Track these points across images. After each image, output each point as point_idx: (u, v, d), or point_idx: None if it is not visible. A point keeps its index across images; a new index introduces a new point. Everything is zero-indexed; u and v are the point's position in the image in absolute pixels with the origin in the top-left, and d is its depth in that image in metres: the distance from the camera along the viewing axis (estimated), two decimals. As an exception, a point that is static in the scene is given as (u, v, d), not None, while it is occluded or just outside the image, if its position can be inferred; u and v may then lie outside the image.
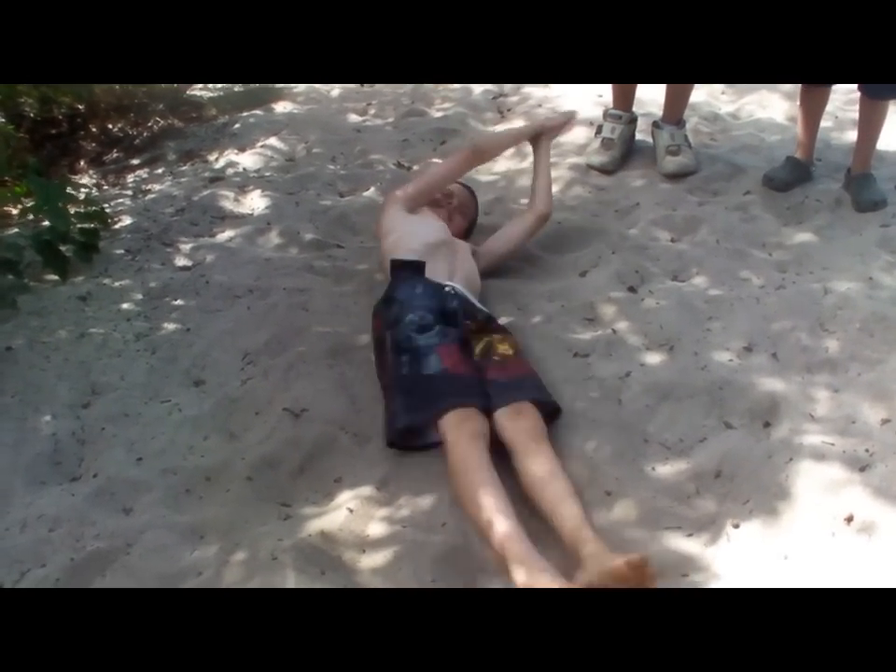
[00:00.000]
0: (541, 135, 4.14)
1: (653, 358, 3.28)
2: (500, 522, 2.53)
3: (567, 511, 2.59)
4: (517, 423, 2.87)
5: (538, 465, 2.75)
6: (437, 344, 3.08)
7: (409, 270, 3.42)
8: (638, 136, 4.79)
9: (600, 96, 5.04)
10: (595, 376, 3.20)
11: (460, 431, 2.78)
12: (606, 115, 4.70)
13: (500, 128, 5.29)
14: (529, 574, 2.39)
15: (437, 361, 3.02)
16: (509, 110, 5.53)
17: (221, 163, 5.17)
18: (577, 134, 4.96)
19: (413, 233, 3.62)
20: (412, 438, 2.94)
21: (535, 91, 5.68)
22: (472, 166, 4.16)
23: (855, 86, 4.05)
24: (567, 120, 4.28)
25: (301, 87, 6.26)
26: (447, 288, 3.37)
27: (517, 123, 5.23)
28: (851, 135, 4.34)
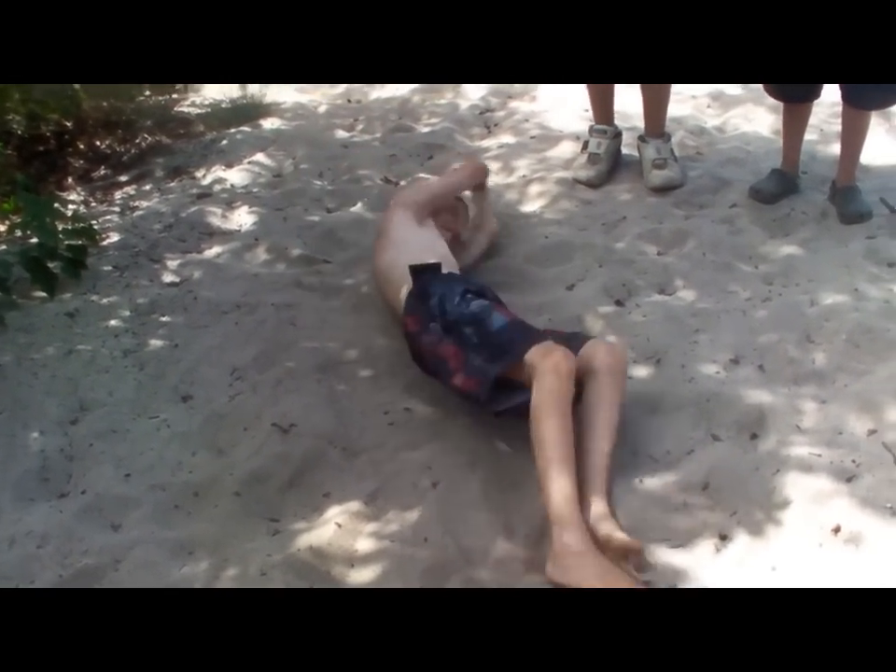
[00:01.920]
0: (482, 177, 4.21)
1: (641, 371, 3.29)
2: (558, 479, 2.60)
3: (597, 445, 2.78)
4: (612, 352, 3.00)
5: (608, 391, 2.89)
6: (493, 305, 3.19)
7: (431, 270, 3.44)
8: (625, 150, 4.80)
9: (586, 111, 5.05)
10: (584, 389, 3.21)
11: (547, 361, 2.79)
12: (591, 130, 4.71)
13: (487, 143, 5.30)
14: (568, 532, 2.51)
15: (500, 317, 3.10)
16: (496, 125, 5.54)
17: (209, 180, 5.17)
18: (563, 149, 4.98)
19: (428, 248, 3.63)
20: (505, 398, 2.93)
21: (521, 105, 5.70)
22: (470, 186, 4.18)
23: (839, 98, 4.07)
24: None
25: (288, 102, 6.27)
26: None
27: (504, 138, 5.25)
28: (836, 147, 4.36)
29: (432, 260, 3.49)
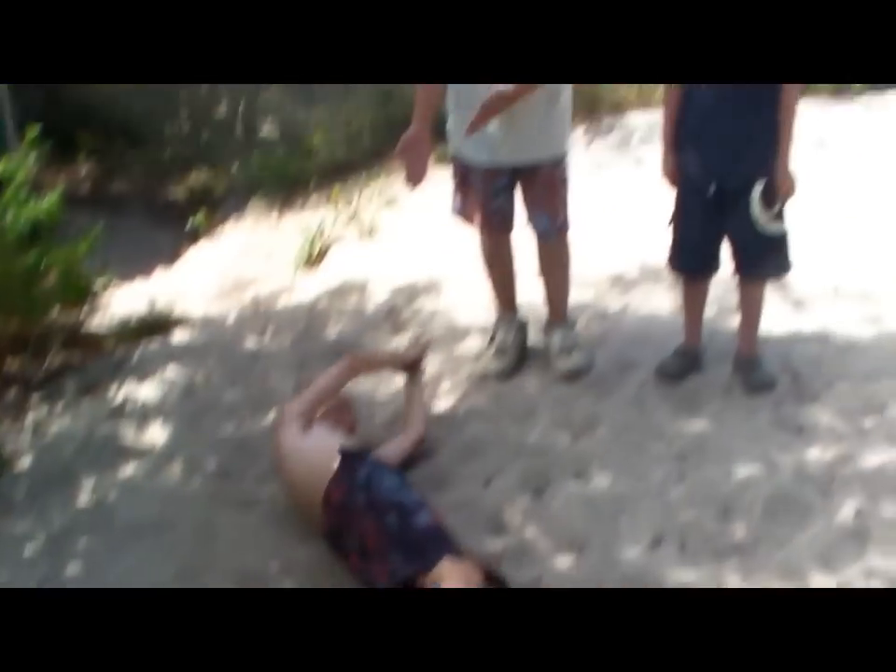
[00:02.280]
0: (415, 365, 4.26)
1: (563, 562, 3.28)
2: None
3: None
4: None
5: None
6: (424, 502, 3.26)
7: (362, 453, 3.52)
8: (531, 340, 4.87)
9: (490, 303, 5.14)
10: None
11: (454, 579, 2.83)
12: (497, 323, 4.79)
13: (396, 341, 5.36)
14: None
15: (426, 517, 3.16)
16: (403, 323, 5.61)
17: (121, 396, 5.14)
18: (471, 343, 5.04)
19: (322, 449, 3.64)
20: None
21: (427, 302, 5.79)
22: (352, 377, 4.24)
23: (734, 271, 4.20)
24: (423, 350, 4.45)
25: (197, 314, 6.31)
26: None
27: (411, 336, 5.32)
28: (735, 320, 4.47)
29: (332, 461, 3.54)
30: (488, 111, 3.95)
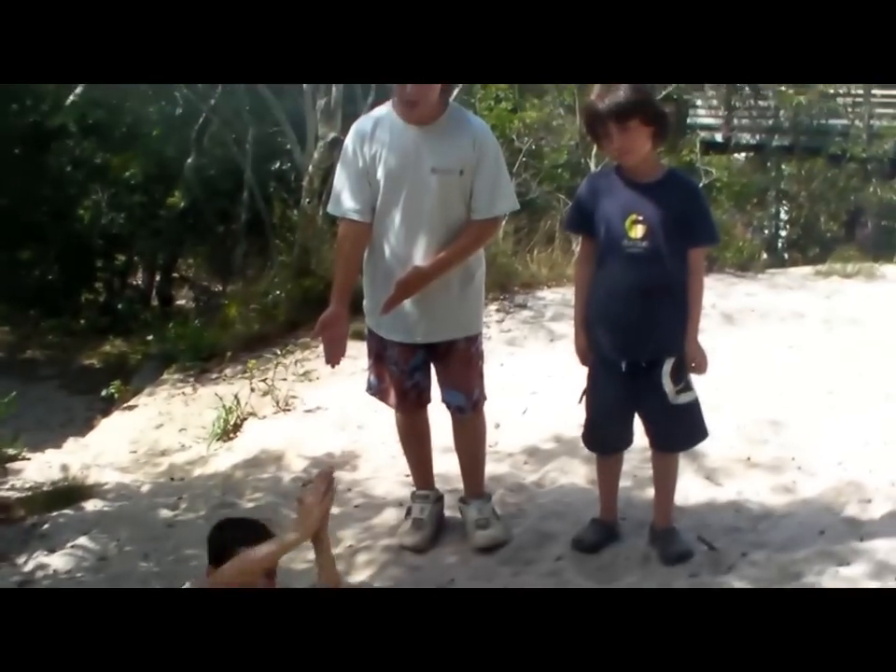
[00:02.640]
0: (319, 530, 4.06)
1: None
2: None
3: None
4: None
5: None
6: None
7: None
8: (448, 513, 4.85)
9: (407, 476, 5.15)
10: None
11: None
12: (413, 496, 4.77)
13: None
14: None
15: None
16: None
17: (30, 566, 4.99)
18: (387, 516, 5.02)
19: None
20: None
21: (344, 475, 5.77)
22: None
23: (647, 443, 4.26)
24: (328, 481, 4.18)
25: (111, 483, 6.19)
26: None
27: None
28: (650, 492, 4.50)
29: None
30: (404, 289, 4.03)
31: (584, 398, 4.24)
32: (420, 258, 4.11)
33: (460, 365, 4.33)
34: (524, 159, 10.72)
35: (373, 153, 4.08)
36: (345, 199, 4.14)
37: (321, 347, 4.28)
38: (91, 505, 5.84)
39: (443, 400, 4.44)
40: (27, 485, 6.32)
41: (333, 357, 4.19)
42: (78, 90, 12.76)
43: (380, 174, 4.09)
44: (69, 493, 6.00)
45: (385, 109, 4.18)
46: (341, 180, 4.20)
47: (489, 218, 4.19)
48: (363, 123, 4.21)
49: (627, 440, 4.33)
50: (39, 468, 6.40)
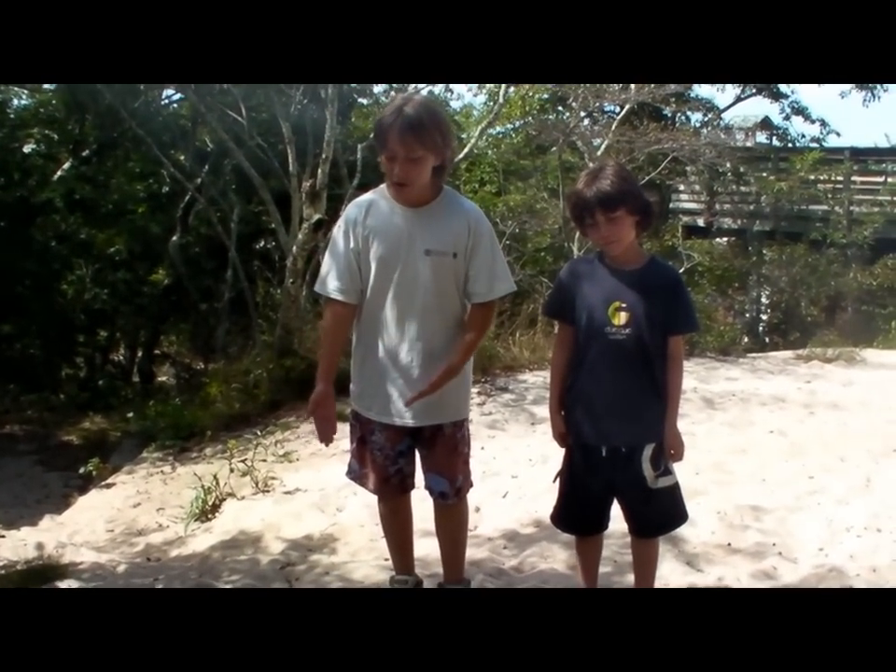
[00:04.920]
0: None
1: None
2: None
3: None
4: None
5: None
6: None
7: None
8: (428, 597, 4.81)
9: (386, 559, 5.11)
10: None
11: None
12: (392, 580, 4.72)
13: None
14: None
15: None
16: (297, 579, 5.51)
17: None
18: (366, 601, 4.96)
19: None
20: None
21: (322, 558, 5.71)
22: None
23: (626, 529, 4.23)
24: None
25: (86, 563, 6.13)
26: None
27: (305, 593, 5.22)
28: (630, 577, 4.48)
29: None
30: (436, 388, 4.04)
31: (558, 479, 4.22)
32: (411, 341, 4.11)
33: (445, 450, 4.29)
34: (507, 242, 10.82)
35: (366, 234, 4.08)
36: (331, 280, 4.14)
37: (301, 428, 4.29)
38: (66, 585, 5.77)
39: (426, 486, 4.39)
40: (1, 564, 6.25)
41: (326, 435, 4.18)
42: (66, 165, 12.87)
43: (372, 255, 4.09)
44: (43, 572, 5.93)
45: (377, 192, 4.20)
46: (329, 261, 4.19)
47: (488, 301, 4.20)
48: (356, 205, 4.21)
49: (601, 524, 4.28)
50: (14, 546, 6.33)
